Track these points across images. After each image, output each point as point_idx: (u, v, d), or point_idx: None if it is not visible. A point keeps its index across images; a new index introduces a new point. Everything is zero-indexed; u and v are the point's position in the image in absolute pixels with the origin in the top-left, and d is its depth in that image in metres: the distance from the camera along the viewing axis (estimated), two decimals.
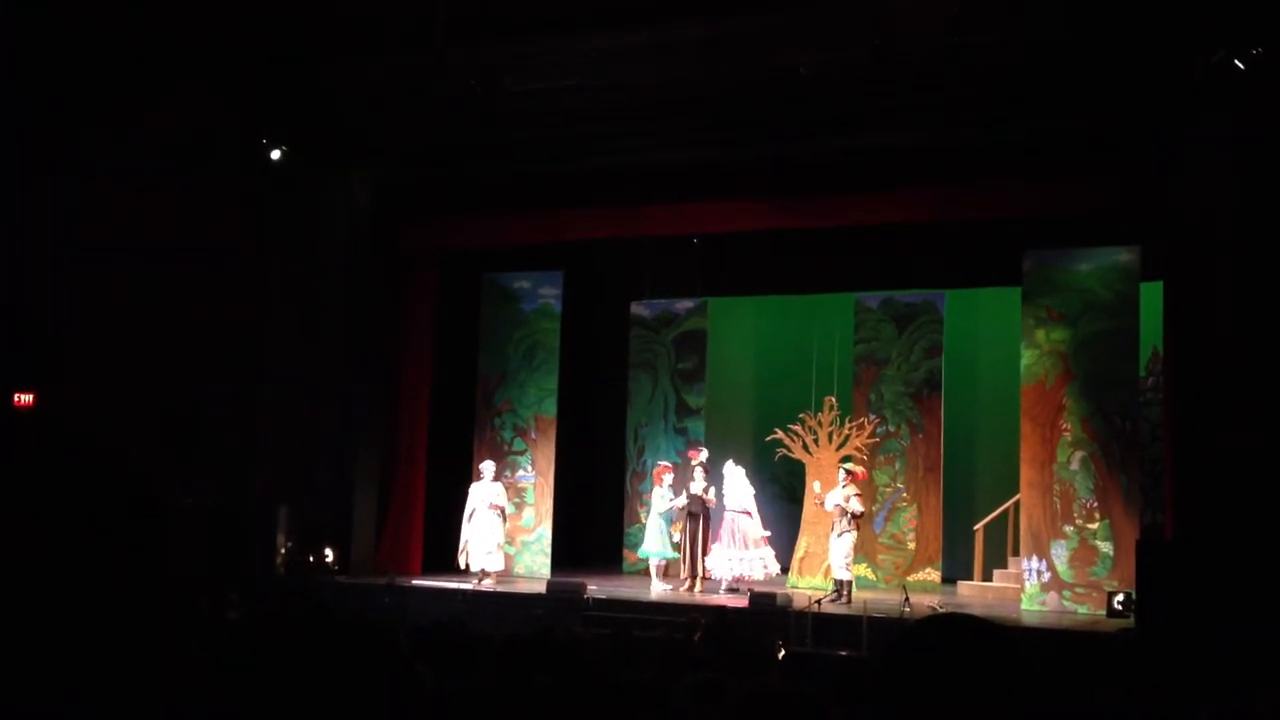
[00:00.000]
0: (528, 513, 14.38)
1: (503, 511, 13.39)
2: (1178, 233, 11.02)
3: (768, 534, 13.11)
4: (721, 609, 11.51)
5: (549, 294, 14.75)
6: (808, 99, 11.74)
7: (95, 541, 1.45)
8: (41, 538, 1.44)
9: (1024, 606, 11.99)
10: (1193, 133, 10.68)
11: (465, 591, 12.68)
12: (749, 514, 13.02)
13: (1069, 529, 11.98)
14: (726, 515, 13.03)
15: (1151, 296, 11.98)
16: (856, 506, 12.33)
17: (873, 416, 13.84)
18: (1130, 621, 10.54)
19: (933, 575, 13.56)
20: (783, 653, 8.78)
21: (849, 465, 12.79)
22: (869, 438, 13.60)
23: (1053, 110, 11.40)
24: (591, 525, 16.03)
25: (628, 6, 11.59)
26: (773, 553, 13.07)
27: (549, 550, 14.26)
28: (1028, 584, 12.10)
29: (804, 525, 13.62)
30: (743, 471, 13.24)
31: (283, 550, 13.39)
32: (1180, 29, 10.27)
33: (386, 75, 12.71)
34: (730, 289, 15.69)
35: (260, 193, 13.85)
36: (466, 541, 13.19)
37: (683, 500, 13.21)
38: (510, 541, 13.92)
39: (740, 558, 12.89)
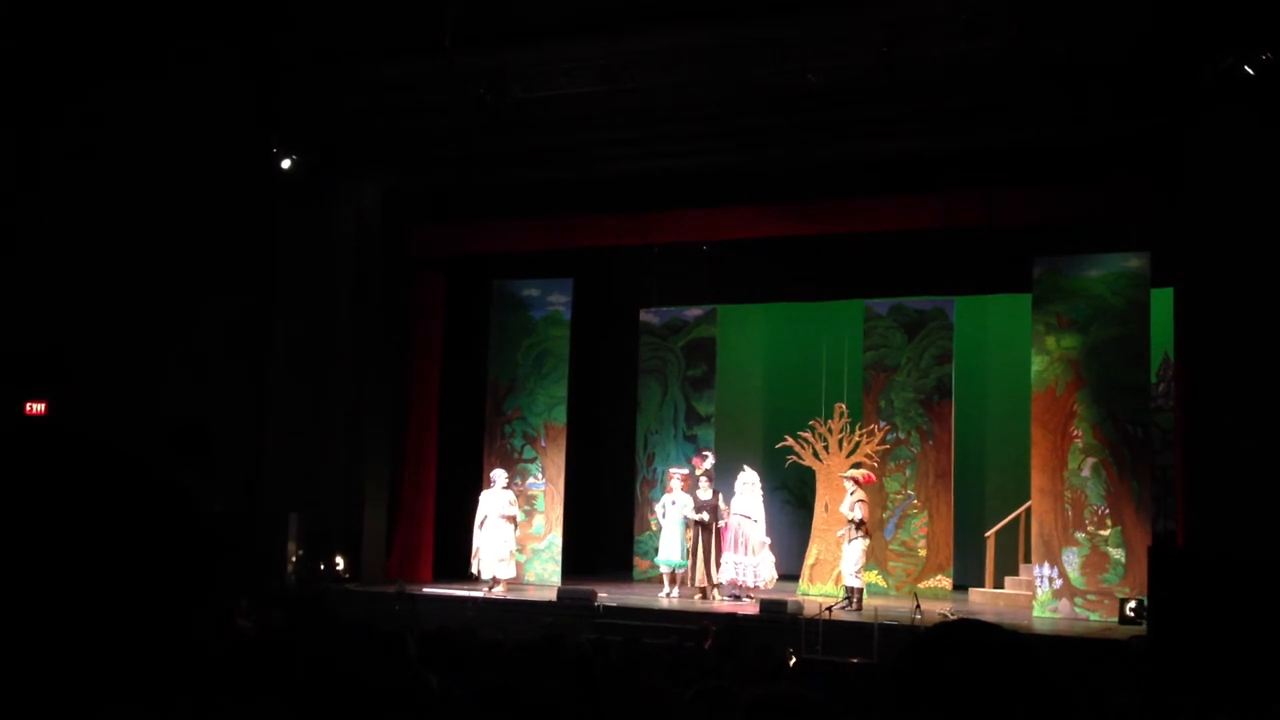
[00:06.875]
0: (538, 520, 14.38)
1: (514, 520, 13.39)
2: (1189, 238, 10.99)
3: (768, 540, 13.10)
4: (732, 616, 11.52)
5: (558, 301, 14.76)
6: (817, 106, 11.73)
7: (106, 548, 1.45)
8: (52, 544, 1.45)
9: (1036, 613, 11.95)
10: (1203, 138, 10.64)
11: (476, 599, 12.68)
12: (754, 520, 13.01)
13: (1080, 536, 11.94)
14: (734, 519, 13.04)
15: (1162, 303, 11.95)
16: (857, 514, 12.30)
17: (883, 423, 13.82)
18: (1142, 629, 10.50)
19: (944, 582, 13.52)
20: (794, 660, 8.77)
21: (853, 473, 12.74)
22: (879, 445, 13.57)
23: (1062, 116, 11.37)
24: (602, 533, 16.01)
25: (637, 13, 11.60)
26: (772, 559, 13.05)
27: (559, 558, 14.26)
28: (1039, 591, 12.06)
29: (814, 532, 13.59)
30: (756, 475, 13.23)
31: (293, 558, 13.39)
32: (1190, 34, 10.25)
33: (396, 81, 12.74)
34: (740, 296, 15.66)
35: (270, 198, 13.87)
36: (478, 549, 13.20)
37: (691, 506, 13.17)
38: (521, 549, 13.90)
39: (738, 562, 12.90)
